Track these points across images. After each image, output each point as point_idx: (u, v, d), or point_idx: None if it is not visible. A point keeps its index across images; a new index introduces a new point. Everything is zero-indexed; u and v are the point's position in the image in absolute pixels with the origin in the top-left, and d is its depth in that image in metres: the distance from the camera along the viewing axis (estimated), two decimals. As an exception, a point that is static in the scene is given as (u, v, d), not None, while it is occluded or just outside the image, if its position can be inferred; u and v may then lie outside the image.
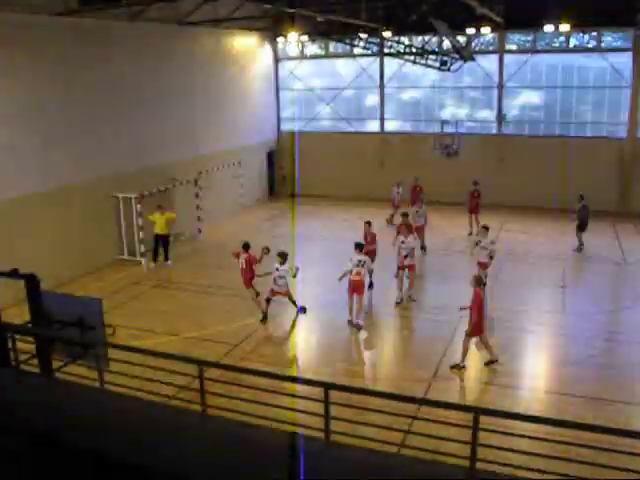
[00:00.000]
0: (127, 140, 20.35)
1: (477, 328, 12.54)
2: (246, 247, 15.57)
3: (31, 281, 8.58)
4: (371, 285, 17.18)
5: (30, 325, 8.87)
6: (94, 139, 19.02)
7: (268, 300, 15.21)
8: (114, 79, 19.65)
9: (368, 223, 17.68)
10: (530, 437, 7.61)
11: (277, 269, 14.86)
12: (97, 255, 19.27)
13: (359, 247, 15.09)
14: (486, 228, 17.01)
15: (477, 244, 17.06)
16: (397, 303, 16.46)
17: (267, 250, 15.83)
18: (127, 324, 14.56)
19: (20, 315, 9.67)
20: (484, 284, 16.85)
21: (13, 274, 8.77)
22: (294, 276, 15.01)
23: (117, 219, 20.07)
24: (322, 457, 6.49)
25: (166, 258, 20.15)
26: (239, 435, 6.93)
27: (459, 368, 12.62)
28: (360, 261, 14.82)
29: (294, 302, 15.32)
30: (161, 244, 20.01)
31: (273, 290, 15.09)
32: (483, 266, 16.74)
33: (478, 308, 12.44)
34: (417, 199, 22.60)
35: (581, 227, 20.71)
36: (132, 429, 7.54)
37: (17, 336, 8.74)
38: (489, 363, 12.74)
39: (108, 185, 19.54)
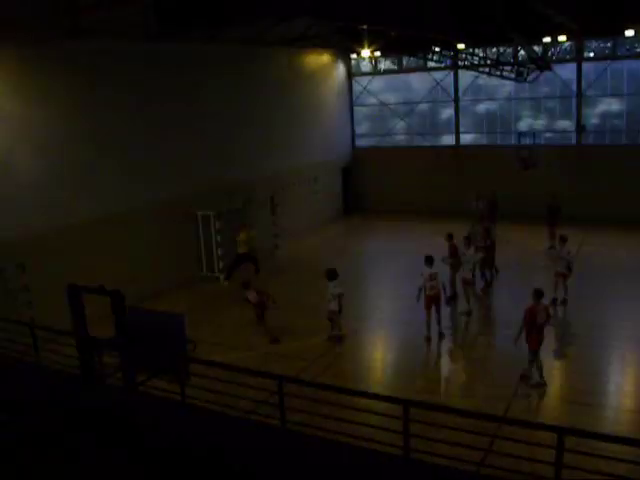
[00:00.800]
0: (205, 158, 20.94)
1: (529, 341, 12.25)
2: (246, 285, 15.54)
3: (116, 297, 8.93)
4: (451, 299, 16.97)
5: (115, 340, 9.22)
6: (173, 158, 19.68)
7: (331, 320, 15.12)
8: (192, 99, 20.31)
9: (450, 236, 17.54)
10: (617, 459, 7.32)
11: (329, 287, 14.82)
12: (177, 271, 19.81)
13: (429, 261, 14.86)
14: (564, 239, 16.81)
15: (550, 248, 16.81)
16: (461, 313, 16.52)
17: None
18: (206, 339, 14.86)
19: (106, 330, 10.04)
20: (564, 299, 16.56)
21: (99, 290, 9.16)
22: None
23: (196, 236, 20.60)
24: (401, 473, 6.48)
25: (257, 271, 20.35)
26: (318, 451, 7.00)
27: (540, 385, 12.29)
28: (431, 275, 14.66)
29: (339, 327, 15.10)
30: (246, 262, 20.32)
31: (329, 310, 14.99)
32: (562, 277, 16.51)
33: (524, 320, 12.20)
34: (491, 214, 22.40)
35: None
36: (213, 442, 7.73)
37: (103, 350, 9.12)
38: (523, 377, 12.48)
39: (187, 203, 20.14)
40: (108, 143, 17.53)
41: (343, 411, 8.65)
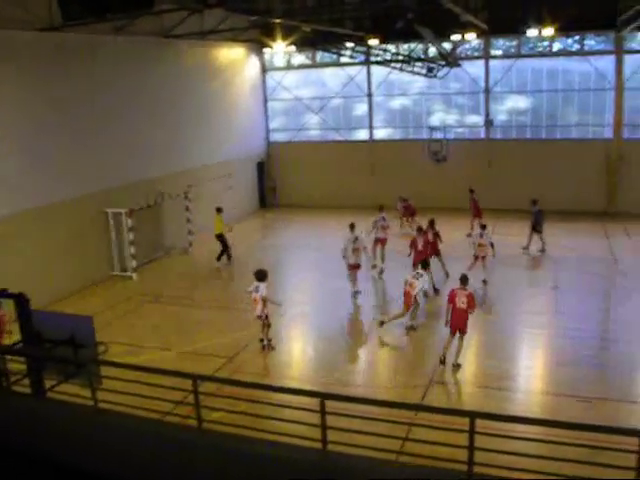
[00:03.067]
0: (115, 155, 20.29)
1: (450, 324, 12.83)
2: None
3: (20, 300, 8.51)
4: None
5: (20, 345, 8.79)
6: (81, 155, 18.95)
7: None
8: (100, 94, 19.61)
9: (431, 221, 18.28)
10: (527, 439, 7.59)
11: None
12: (88, 271, 19.18)
13: (423, 265, 15.34)
14: (482, 226, 18.68)
15: (469, 235, 19.27)
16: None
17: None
18: (120, 340, 14.40)
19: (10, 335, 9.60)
20: (484, 281, 17.65)
21: (2, 293, 8.70)
22: None
23: (107, 235, 19.99)
24: (320, 467, 6.46)
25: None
26: (235, 449, 6.89)
27: (455, 367, 12.85)
28: (418, 273, 14.86)
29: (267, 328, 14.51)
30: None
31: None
32: (477, 260, 17.91)
33: (449, 305, 12.85)
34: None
35: (537, 230, 20.92)
36: (127, 447, 7.49)
37: (8, 357, 8.67)
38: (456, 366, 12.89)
39: (97, 201, 19.49)
40: (13, 139, 16.69)
41: (262, 407, 8.59)
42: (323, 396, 6.65)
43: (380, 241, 19.64)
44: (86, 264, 19.12)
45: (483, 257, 17.93)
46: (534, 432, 7.96)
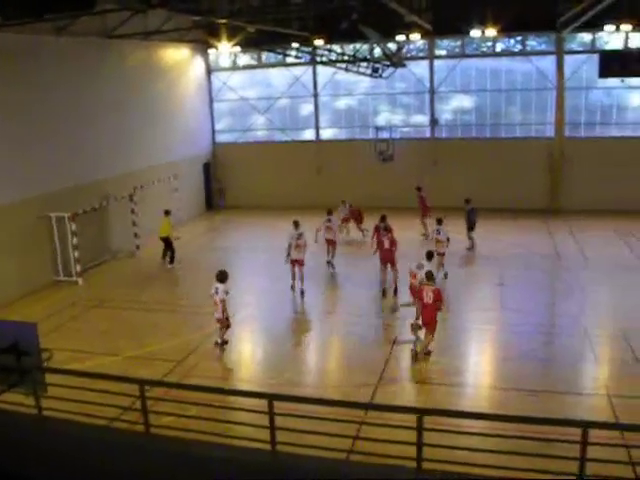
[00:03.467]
0: (57, 157, 19.73)
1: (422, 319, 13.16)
2: None
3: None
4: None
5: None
6: (22, 158, 18.38)
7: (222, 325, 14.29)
8: (41, 95, 19.08)
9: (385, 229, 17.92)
10: (476, 434, 7.71)
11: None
12: (31, 277, 18.66)
13: (428, 256, 15.21)
14: (440, 221, 18.82)
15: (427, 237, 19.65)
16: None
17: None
18: (66, 347, 14.08)
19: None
20: (444, 275, 18.09)
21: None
22: None
23: (51, 239, 19.48)
24: (269, 468, 6.44)
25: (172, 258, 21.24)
26: (184, 452, 6.82)
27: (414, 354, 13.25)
28: (420, 264, 14.82)
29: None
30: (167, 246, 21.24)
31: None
32: (441, 255, 18.15)
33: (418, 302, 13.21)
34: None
35: (471, 228, 21.45)
36: (73, 453, 7.33)
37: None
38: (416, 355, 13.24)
39: (39, 204, 18.94)
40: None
41: (213, 410, 8.49)
42: (270, 397, 6.64)
43: (330, 242, 19.68)
44: (29, 270, 18.60)
45: (442, 254, 18.16)
46: (483, 426, 8.12)
